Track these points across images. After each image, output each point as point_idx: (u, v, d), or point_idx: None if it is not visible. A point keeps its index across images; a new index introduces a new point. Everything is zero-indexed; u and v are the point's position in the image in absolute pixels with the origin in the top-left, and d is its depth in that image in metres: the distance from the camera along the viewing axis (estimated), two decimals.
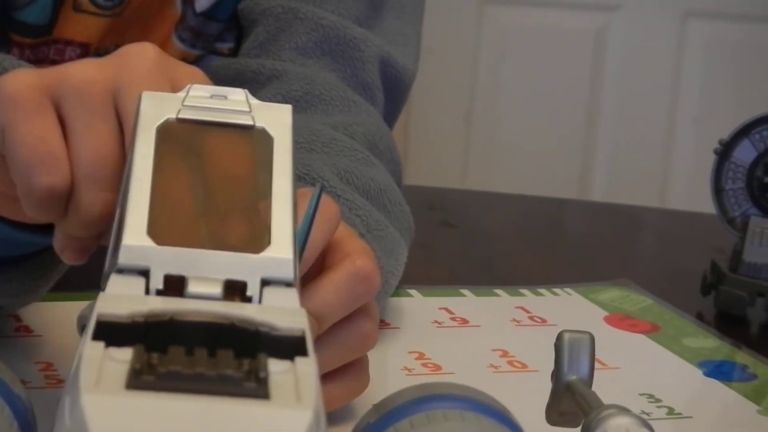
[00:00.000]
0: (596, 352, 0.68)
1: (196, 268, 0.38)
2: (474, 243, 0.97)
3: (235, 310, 0.36)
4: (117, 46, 0.54)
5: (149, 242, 0.38)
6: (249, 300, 0.38)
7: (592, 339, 0.44)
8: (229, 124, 0.43)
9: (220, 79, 0.77)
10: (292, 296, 0.38)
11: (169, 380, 0.31)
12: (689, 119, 2.12)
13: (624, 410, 0.39)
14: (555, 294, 0.81)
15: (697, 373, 0.69)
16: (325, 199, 0.51)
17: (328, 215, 0.52)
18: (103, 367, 0.32)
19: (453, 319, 0.74)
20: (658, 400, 0.63)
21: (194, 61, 0.85)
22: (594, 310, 0.79)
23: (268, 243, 0.39)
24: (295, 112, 0.77)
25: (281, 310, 0.36)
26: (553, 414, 0.44)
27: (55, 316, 0.66)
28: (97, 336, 0.33)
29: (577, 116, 2.12)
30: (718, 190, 0.84)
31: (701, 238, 1.03)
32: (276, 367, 0.33)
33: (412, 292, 0.78)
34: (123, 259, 0.37)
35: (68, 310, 0.66)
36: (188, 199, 0.40)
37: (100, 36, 0.82)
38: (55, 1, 0.80)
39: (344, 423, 0.54)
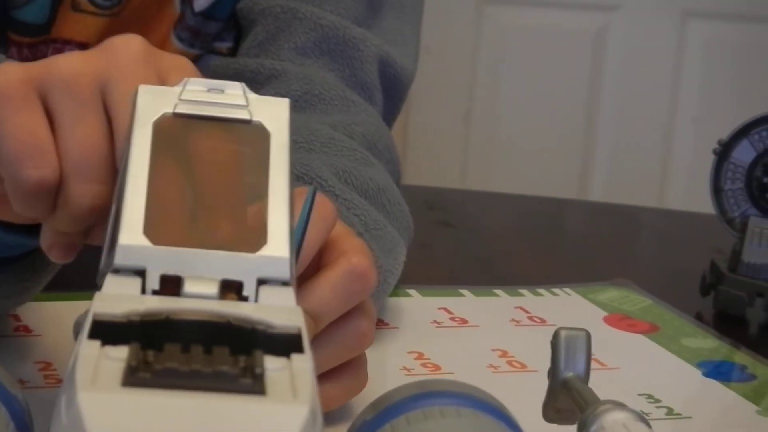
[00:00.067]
0: (595, 353, 0.68)
1: (192, 268, 0.37)
2: (473, 243, 0.97)
3: (231, 308, 0.36)
4: None
5: (145, 242, 0.38)
6: (245, 299, 0.38)
7: (588, 336, 0.44)
8: (225, 119, 0.42)
9: (218, 78, 0.77)
10: (288, 295, 0.38)
11: (165, 377, 0.31)
12: (689, 119, 2.12)
13: (620, 405, 0.39)
14: (554, 294, 0.81)
15: (696, 374, 0.69)
16: (321, 198, 0.51)
17: (324, 214, 0.52)
18: (99, 365, 0.32)
19: (452, 319, 0.74)
20: (657, 401, 0.63)
21: (193, 61, 0.84)
22: (593, 310, 0.79)
23: (264, 242, 0.38)
24: (294, 111, 0.77)
25: (277, 309, 0.36)
26: (550, 411, 0.44)
27: (54, 316, 0.66)
28: (93, 335, 0.33)
29: (577, 116, 2.12)
30: (717, 191, 0.84)
31: (700, 238, 1.03)
32: (272, 364, 0.33)
33: (412, 292, 0.78)
34: (119, 259, 0.37)
35: (67, 309, 0.66)
36: (184, 197, 0.40)
37: (99, 36, 0.82)
38: (54, 1, 0.80)
39: (343, 423, 0.54)
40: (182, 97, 0.43)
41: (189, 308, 0.35)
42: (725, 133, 0.84)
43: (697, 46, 2.11)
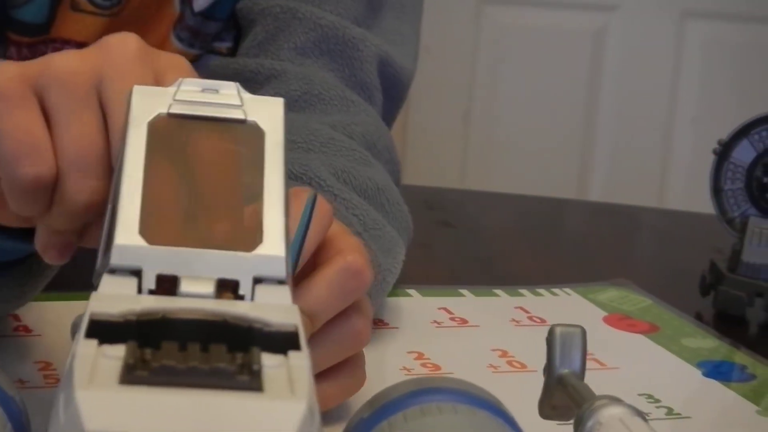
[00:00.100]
0: (595, 353, 0.69)
1: (189, 268, 0.37)
2: (473, 243, 0.97)
3: (228, 307, 0.36)
4: None
5: (141, 242, 0.38)
6: (241, 298, 0.38)
7: (584, 332, 0.44)
8: (220, 119, 0.42)
9: (218, 78, 0.77)
10: (284, 293, 0.38)
11: (162, 375, 0.31)
12: (688, 119, 2.12)
13: (616, 400, 0.39)
14: (554, 294, 0.81)
15: (696, 374, 0.69)
16: (318, 198, 0.51)
17: (321, 215, 0.52)
18: (97, 363, 0.32)
19: (452, 319, 0.74)
20: (657, 401, 0.63)
21: (192, 61, 0.84)
22: (593, 310, 0.79)
23: (260, 241, 0.39)
24: (294, 111, 0.77)
25: (273, 307, 0.36)
26: (546, 408, 0.44)
27: (53, 316, 0.66)
28: (89, 334, 0.33)
29: (576, 116, 2.12)
30: (717, 191, 0.84)
31: (700, 238, 1.03)
32: (269, 361, 0.33)
33: (411, 292, 0.78)
34: (115, 259, 0.37)
35: (67, 309, 0.66)
36: (179, 197, 0.40)
37: (98, 36, 0.81)
38: (53, 0, 0.80)
39: (342, 422, 0.54)
40: (177, 98, 0.43)
41: (185, 307, 0.35)
42: (725, 133, 0.84)
43: (697, 46, 2.11)
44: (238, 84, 0.44)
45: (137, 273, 0.37)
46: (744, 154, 0.83)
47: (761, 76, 2.09)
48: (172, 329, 0.34)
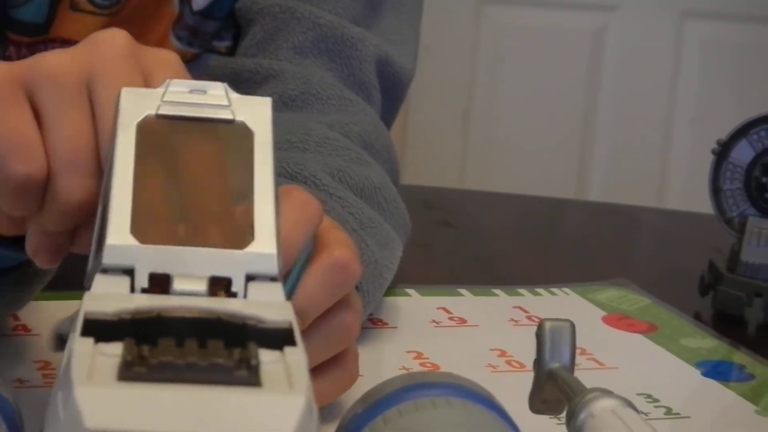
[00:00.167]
0: (594, 352, 0.69)
1: (181, 266, 0.38)
2: (472, 243, 0.97)
3: (221, 305, 0.36)
4: None
5: (133, 241, 0.38)
6: (234, 295, 0.38)
7: (573, 327, 0.44)
8: (208, 119, 0.43)
9: (217, 78, 0.77)
10: (277, 290, 0.38)
11: (160, 371, 0.31)
12: (687, 119, 2.12)
13: (608, 393, 0.39)
14: (553, 294, 0.81)
15: (695, 373, 0.69)
16: (306, 196, 0.51)
17: (309, 214, 0.51)
18: (95, 361, 0.32)
19: (451, 318, 0.74)
20: (656, 400, 0.63)
21: (191, 60, 0.85)
22: (592, 309, 0.79)
23: (251, 238, 0.39)
24: (292, 111, 0.77)
25: (267, 304, 0.37)
26: (536, 402, 0.44)
27: (53, 315, 0.66)
28: (85, 333, 0.33)
29: (575, 116, 2.12)
30: (716, 191, 0.84)
31: (699, 238, 1.03)
32: (266, 356, 0.33)
33: (410, 291, 0.78)
34: (107, 258, 0.38)
35: (67, 309, 0.66)
36: (170, 197, 0.40)
37: None
38: (53, 0, 0.80)
39: (336, 420, 0.54)
40: (165, 99, 0.43)
41: (179, 305, 0.35)
42: (723, 133, 0.84)
43: (696, 46, 2.11)
44: (225, 84, 0.44)
45: (130, 272, 0.37)
46: (743, 154, 0.83)
47: (760, 76, 2.09)
48: (167, 327, 0.34)
